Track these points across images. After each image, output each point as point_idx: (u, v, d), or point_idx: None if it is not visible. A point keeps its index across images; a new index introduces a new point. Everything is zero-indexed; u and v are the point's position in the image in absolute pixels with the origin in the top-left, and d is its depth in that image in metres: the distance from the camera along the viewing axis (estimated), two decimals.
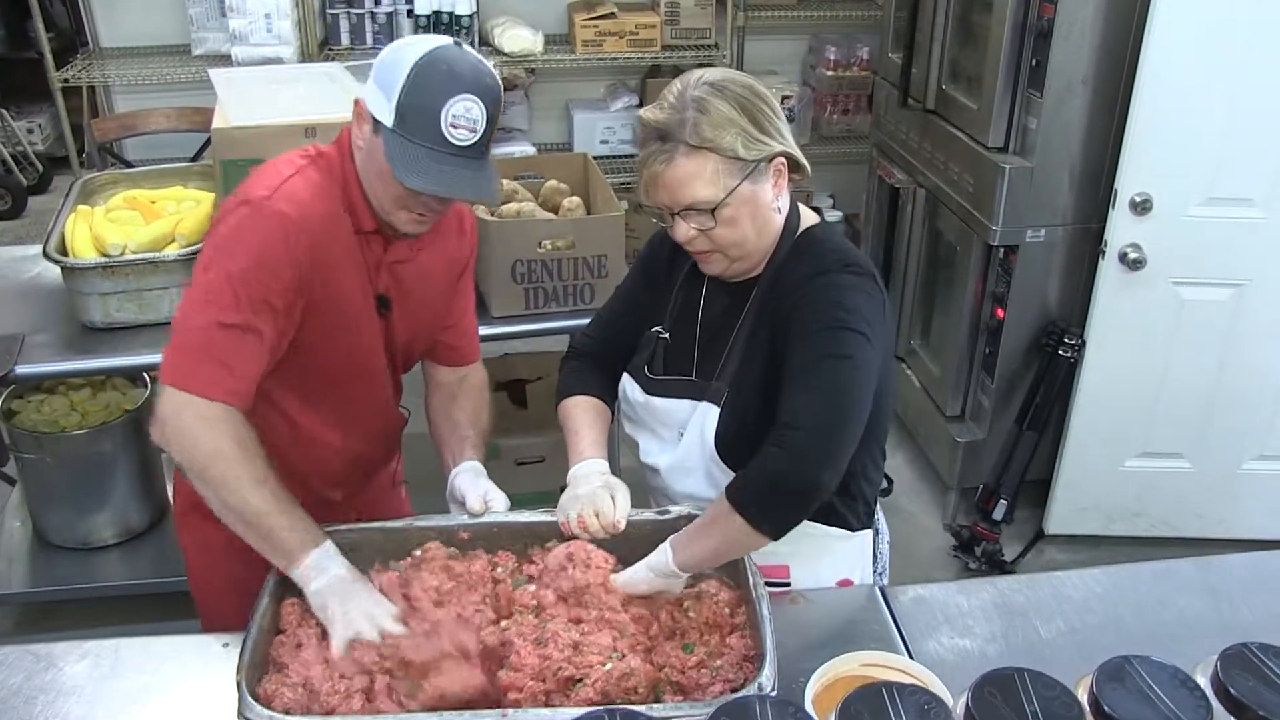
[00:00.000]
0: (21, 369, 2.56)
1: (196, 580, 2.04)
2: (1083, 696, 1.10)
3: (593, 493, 1.71)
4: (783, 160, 1.67)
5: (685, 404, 1.79)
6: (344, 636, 1.51)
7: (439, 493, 1.91)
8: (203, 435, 1.59)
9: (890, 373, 1.77)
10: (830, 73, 4.79)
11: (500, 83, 1.66)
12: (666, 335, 1.84)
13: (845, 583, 1.89)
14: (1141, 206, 2.98)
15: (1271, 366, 3.18)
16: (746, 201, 1.64)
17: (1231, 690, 1.09)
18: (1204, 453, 3.32)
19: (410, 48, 1.61)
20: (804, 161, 1.70)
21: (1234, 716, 1.09)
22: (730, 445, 1.73)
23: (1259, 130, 2.90)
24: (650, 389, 1.83)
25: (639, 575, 1.63)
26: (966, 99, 3.36)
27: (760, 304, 1.74)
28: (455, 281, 1.97)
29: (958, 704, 1.11)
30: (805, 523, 1.74)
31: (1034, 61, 3.07)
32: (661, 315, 1.86)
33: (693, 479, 1.81)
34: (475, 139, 1.61)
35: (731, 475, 1.72)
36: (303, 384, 1.81)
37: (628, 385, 1.86)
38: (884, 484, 2.04)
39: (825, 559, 1.86)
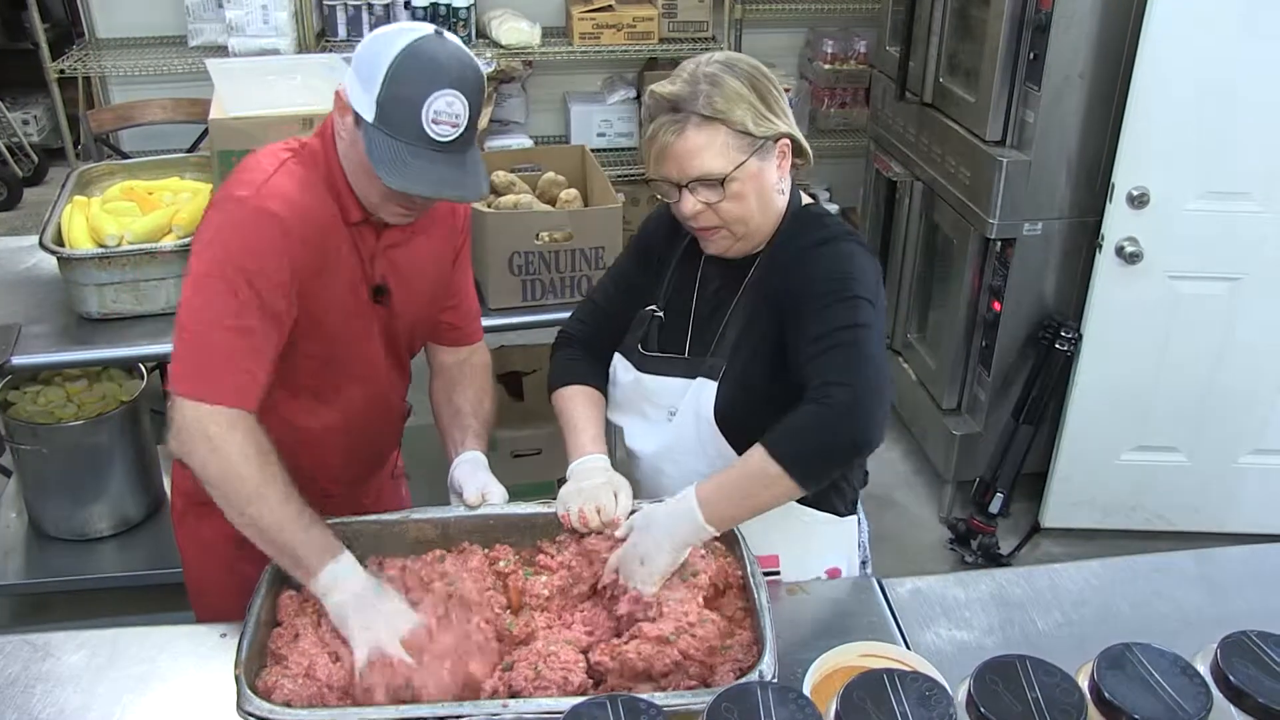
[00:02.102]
0: (17, 360, 2.55)
1: (193, 576, 2.02)
2: (1083, 684, 1.10)
3: (595, 488, 1.71)
4: (787, 142, 1.70)
5: (678, 382, 1.79)
6: (363, 654, 1.48)
7: (444, 485, 1.90)
8: (223, 446, 1.56)
9: None
10: (828, 66, 4.79)
11: (482, 71, 1.64)
12: (661, 314, 1.84)
13: (834, 571, 1.89)
14: (1139, 200, 2.98)
15: (1267, 361, 3.19)
16: (753, 177, 1.66)
17: (1231, 678, 1.09)
18: (1200, 446, 3.33)
19: (390, 39, 1.57)
20: (806, 146, 1.74)
21: (1234, 704, 1.09)
22: (731, 419, 1.73)
23: (1256, 124, 2.90)
24: (643, 366, 1.82)
25: (660, 561, 1.58)
26: (964, 92, 3.36)
27: (761, 278, 1.75)
28: (452, 260, 1.95)
29: (959, 691, 1.11)
30: (797, 506, 1.75)
31: (1032, 55, 3.07)
32: (656, 295, 1.86)
33: (688, 457, 1.80)
34: (457, 134, 1.59)
35: (730, 451, 1.73)
36: (295, 380, 1.79)
37: (618, 365, 1.86)
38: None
39: (813, 547, 1.86)
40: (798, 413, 1.58)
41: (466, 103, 1.58)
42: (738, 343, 1.74)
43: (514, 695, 1.46)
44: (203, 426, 1.57)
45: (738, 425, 1.72)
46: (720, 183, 1.64)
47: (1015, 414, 3.35)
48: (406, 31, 1.58)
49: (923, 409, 3.75)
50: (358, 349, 1.83)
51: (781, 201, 1.74)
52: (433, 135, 1.57)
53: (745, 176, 1.65)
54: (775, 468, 1.55)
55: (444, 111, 1.56)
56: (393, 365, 1.93)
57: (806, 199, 1.82)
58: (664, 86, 1.66)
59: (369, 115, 1.57)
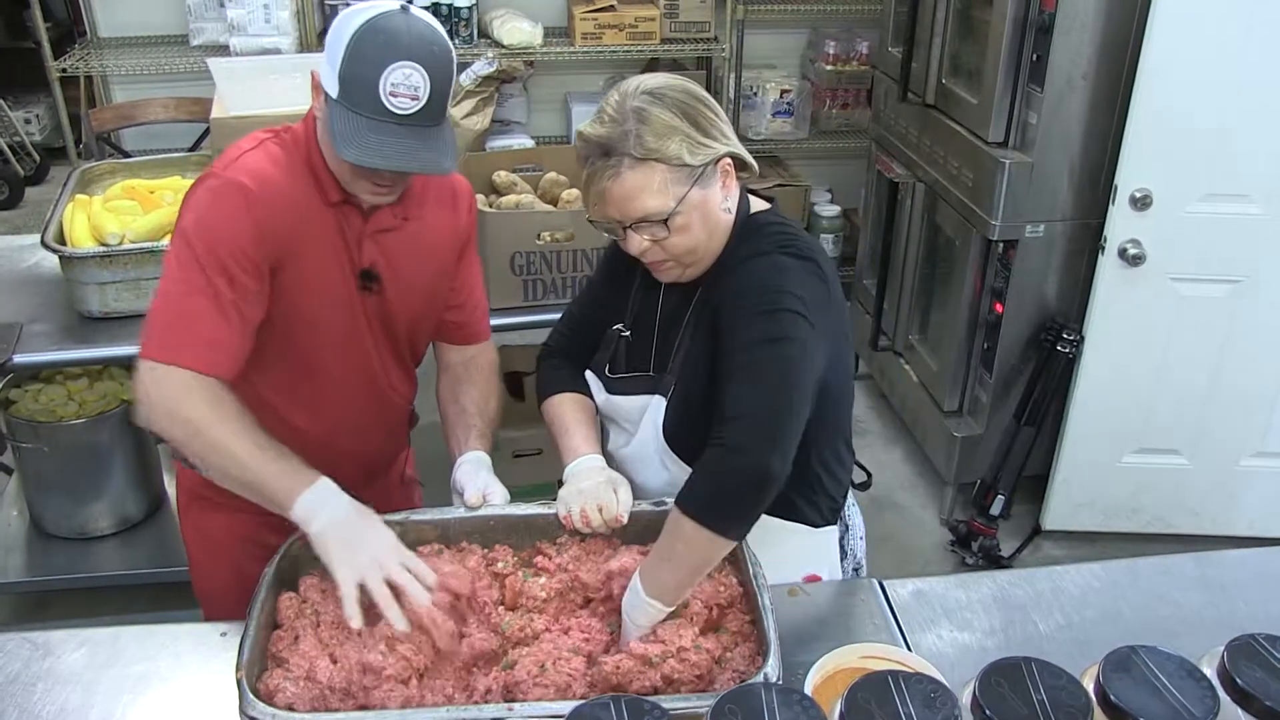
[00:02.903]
0: (19, 358, 2.55)
1: (198, 572, 2.02)
2: (1089, 686, 1.10)
3: (595, 487, 1.70)
4: (729, 160, 1.64)
5: (640, 400, 1.78)
6: (350, 588, 1.47)
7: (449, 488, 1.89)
8: (180, 405, 1.57)
9: (844, 364, 1.75)
10: (830, 66, 4.78)
11: (451, 48, 1.63)
12: (628, 334, 1.83)
13: (812, 578, 1.87)
14: (1141, 202, 2.98)
15: (1269, 363, 3.19)
16: (697, 207, 1.61)
17: (1238, 680, 1.09)
18: (1201, 449, 3.33)
19: (353, 16, 1.58)
20: (749, 159, 1.68)
21: (1240, 707, 1.09)
22: (678, 436, 1.73)
23: (1258, 126, 2.90)
24: (610, 388, 1.82)
25: (628, 633, 1.55)
26: (966, 93, 3.36)
27: (706, 294, 1.72)
28: (456, 256, 1.93)
29: (964, 693, 1.11)
30: (764, 517, 1.73)
31: (1034, 56, 3.06)
32: (624, 312, 1.85)
33: (648, 471, 1.80)
34: (418, 106, 1.58)
35: (684, 465, 1.72)
36: (288, 374, 1.79)
37: (591, 383, 1.85)
38: (863, 477, 2.01)
39: (788, 555, 1.81)
40: (702, 458, 1.54)
41: (427, 75, 1.57)
42: (686, 361, 1.73)
43: (511, 690, 1.45)
44: (164, 387, 1.58)
45: (687, 442, 1.70)
46: (664, 221, 1.59)
47: (1017, 416, 3.35)
48: (370, 8, 1.59)
49: (924, 411, 3.74)
50: (347, 337, 1.82)
51: (728, 219, 1.68)
52: (391, 108, 1.56)
53: (688, 209, 1.59)
54: (688, 521, 1.49)
55: (401, 84, 1.55)
56: (391, 361, 1.92)
57: (759, 205, 1.76)
58: (592, 128, 1.60)
59: (333, 91, 1.59)
